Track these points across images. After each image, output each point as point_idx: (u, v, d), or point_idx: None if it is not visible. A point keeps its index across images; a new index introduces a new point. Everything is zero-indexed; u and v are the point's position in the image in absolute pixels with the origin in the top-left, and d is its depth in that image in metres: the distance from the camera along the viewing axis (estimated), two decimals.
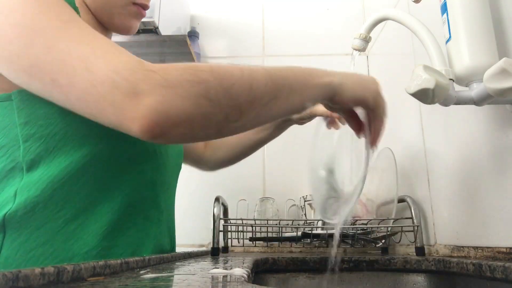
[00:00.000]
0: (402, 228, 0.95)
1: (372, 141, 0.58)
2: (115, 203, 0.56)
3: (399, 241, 0.99)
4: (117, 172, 0.57)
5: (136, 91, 0.38)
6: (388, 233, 0.99)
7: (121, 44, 1.22)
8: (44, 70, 0.42)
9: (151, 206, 0.62)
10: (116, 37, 1.17)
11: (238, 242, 1.06)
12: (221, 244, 1.07)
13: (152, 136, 0.39)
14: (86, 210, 0.54)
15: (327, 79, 0.52)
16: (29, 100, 0.51)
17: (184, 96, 0.39)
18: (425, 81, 0.58)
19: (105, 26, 0.65)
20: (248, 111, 0.44)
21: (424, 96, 0.60)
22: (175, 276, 0.40)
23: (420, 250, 0.89)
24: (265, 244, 1.11)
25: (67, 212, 0.53)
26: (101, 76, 0.39)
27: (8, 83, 0.49)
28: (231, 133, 0.47)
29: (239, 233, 1.05)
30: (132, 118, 0.39)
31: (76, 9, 0.51)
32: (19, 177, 0.52)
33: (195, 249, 1.02)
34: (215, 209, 0.99)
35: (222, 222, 1.02)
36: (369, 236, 0.97)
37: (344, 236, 0.96)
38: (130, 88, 0.39)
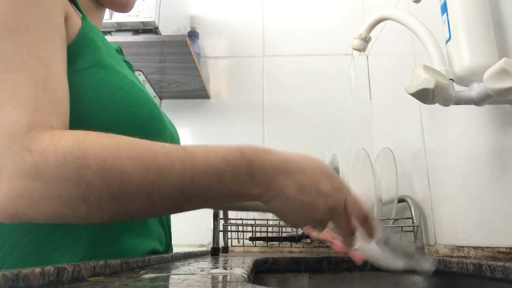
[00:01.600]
0: (402, 228, 0.95)
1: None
2: None
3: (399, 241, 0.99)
4: None
5: (1, 171, 0.32)
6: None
7: (122, 44, 1.22)
8: None
9: None
10: (115, 37, 1.17)
11: (238, 242, 1.06)
12: (221, 244, 1.07)
13: (3, 220, 0.33)
14: None
15: (256, 191, 0.40)
16: None
17: (54, 195, 0.32)
18: (425, 81, 0.58)
19: (101, 2, 0.61)
20: (141, 216, 0.37)
21: (424, 96, 0.60)
22: (175, 276, 0.40)
23: (420, 250, 0.89)
24: (265, 244, 1.11)
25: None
26: None
27: None
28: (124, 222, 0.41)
29: (239, 233, 1.05)
30: None
31: None
32: None
33: (195, 249, 1.02)
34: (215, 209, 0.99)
35: (222, 222, 1.02)
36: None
37: None
38: None
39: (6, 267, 0.45)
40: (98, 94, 0.49)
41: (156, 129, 0.58)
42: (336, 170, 1.08)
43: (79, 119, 0.43)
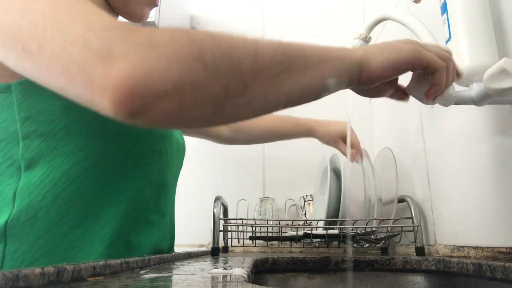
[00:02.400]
0: (402, 228, 0.95)
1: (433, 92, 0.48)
2: (120, 208, 0.53)
3: (399, 241, 0.99)
4: (122, 174, 0.54)
5: (110, 51, 0.30)
6: (388, 233, 0.99)
7: None
8: (16, 37, 0.34)
9: (153, 209, 0.60)
10: None
11: (238, 242, 1.06)
12: (221, 244, 1.07)
13: (128, 114, 0.30)
14: (90, 216, 0.51)
15: (348, 52, 0.43)
16: (31, 93, 0.48)
17: (171, 57, 0.31)
18: None
19: (116, 11, 0.62)
20: (254, 84, 0.35)
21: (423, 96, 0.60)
22: (175, 276, 0.40)
23: (420, 250, 0.89)
24: (265, 244, 1.11)
25: (71, 218, 0.49)
26: (73, 36, 0.32)
27: (6, 70, 0.42)
28: (234, 113, 0.37)
29: (239, 233, 1.05)
30: (102, 87, 0.30)
31: None
32: (16, 176, 0.49)
33: (195, 249, 1.02)
34: (215, 209, 0.99)
35: (222, 222, 1.02)
36: (371, 237, 0.97)
37: (344, 237, 0.96)
38: (104, 48, 0.31)
39: (23, 266, 0.46)
40: None
41: (162, 132, 0.60)
42: (337, 170, 1.08)
43: (89, 118, 0.44)
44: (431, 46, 0.48)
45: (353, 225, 1.00)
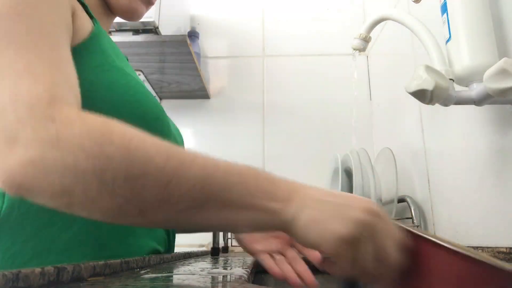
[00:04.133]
0: None
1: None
2: None
3: None
4: None
5: (17, 136, 0.30)
6: None
7: (121, 44, 1.22)
8: None
9: None
10: (116, 37, 1.17)
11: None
12: (221, 244, 1.07)
13: (11, 192, 0.31)
14: (80, 217, 0.49)
15: (277, 205, 0.34)
16: None
17: (69, 164, 0.30)
18: (425, 82, 0.58)
19: (110, 8, 0.61)
20: (154, 212, 0.33)
21: (422, 96, 0.60)
22: (175, 276, 0.40)
23: None
24: None
25: (64, 217, 0.46)
26: None
27: None
28: (129, 224, 0.37)
29: None
30: None
31: None
32: None
33: (195, 249, 1.02)
34: None
35: None
36: None
37: None
38: (14, 129, 0.30)
39: (14, 267, 0.45)
40: (109, 93, 0.49)
41: (161, 132, 0.59)
42: (349, 170, 1.07)
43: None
44: (384, 236, 0.34)
45: None
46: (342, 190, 1.04)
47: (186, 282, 0.33)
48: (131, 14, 0.63)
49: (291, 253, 0.56)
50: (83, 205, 0.32)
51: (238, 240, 0.58)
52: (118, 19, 0.66)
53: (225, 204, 0.34)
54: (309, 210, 0.34)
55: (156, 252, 0.61)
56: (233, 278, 0.39)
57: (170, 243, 0.69)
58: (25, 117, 0.31)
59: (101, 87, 0.48)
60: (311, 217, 0.34)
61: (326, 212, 0.34)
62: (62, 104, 0.33)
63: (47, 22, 0.39)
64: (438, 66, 0.63)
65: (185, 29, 1.48)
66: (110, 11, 0.62)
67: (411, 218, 0.94)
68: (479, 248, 0.73)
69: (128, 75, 0.53)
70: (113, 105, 0.48)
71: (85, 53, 0.48)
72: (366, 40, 0.81)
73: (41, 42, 0.36)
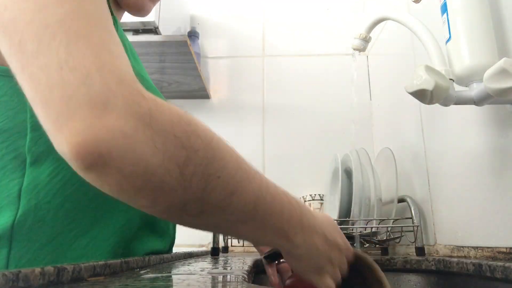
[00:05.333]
0: (402, 228, 0.95)
1: None
2: (129, 215, 0.51)
3: (399, 241, 0.99)
4: None
5: (108, 103, 0.27)
6: (388, 233, 0.99)
7: None
8: (19, 27, 0.30)
9: (155, 218, 0.57)
10: None
11: (238, 242, 1.06)
12: (221, 244, 1.07)
13: (84, 164, 0.28)
14: (99, 222, 0.48)
15: (296, 239, 0.40)
16: None
17: (157, 149, 0.28)
18: (425, 82, 0.58)
19: (118, 3, 0.60)
20: (210, 216, 0.34)
21: (422, 96, 0.60)
22: (175, 276, 0.40)
23: (420, 250, 0.89)
24: None
25: (79, 223, 0.46)
26: (77, 64, 0.28)
27: None
28: (177, 222, 0.38)
29: None
30: (76, 129, 0.27)
31: None
32: (20, 171, 0.45)
33: (195, 249, 1.02)
34: None
35: None
36: (374, 238, 0.97)
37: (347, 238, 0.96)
38: (104, 95, 0.27)
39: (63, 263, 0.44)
40: None
41: None
42: (349, 170, 1.07)
43: None
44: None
45: (353, 225, 1.00)
46: (342, 190, 1.04)
47: (186, 282, 0.33)
48: (138, 9, 0.62)
49: None
50: (153, 194, 0.30)
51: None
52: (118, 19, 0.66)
53: (262, 225, 0.37)
54: (305, 251, 0.42)
55: (159, 251, 0.61)
56: (233, 278, 0.39)
57: (171, 244, 0.69)
58: (115, 87, 0.28)
59: None
60: (307, 253, 0.42)
61: (316, 257, 0.42)
62: (142, 87, 0.31)
63: (105, 5, 0.36)
64: (438, 66, 0.63)
65: (185, 29, 1.48)
66: (119, 5, 0.62)
67: (411, 218, 0.94)
68: (479, 248, 0.73)
69: (146, 81, 0.54)
70: None
71: None
72: (366, 40, 0.81)
73: (105, 19, 0.34)
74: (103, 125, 0.27)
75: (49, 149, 0.44)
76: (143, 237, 0.55)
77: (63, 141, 0.27)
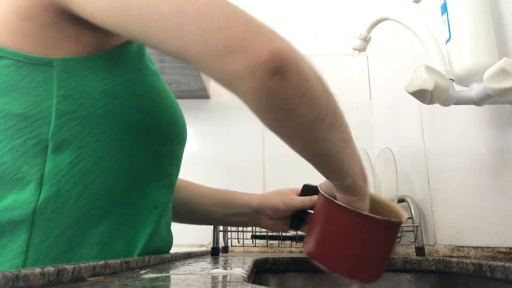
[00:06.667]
0: (402, 228, 0.95)
1: None
2: (141, 207, 0.52)
3: (399, 241, 0.99)
4: (145, 174, 0.53)
5: (266, 34, 0.37)
6: None
7: None
8: None
9: (166, 212, 0.58)
10: None
11: (238, 242, 1.06)
12: (221, 244, 1.07)
13: (273, 69, 0.37)
14: (113, 212, 0.49)
15: (356, 174, 0.50)
16: (75, 72, 0.46)
17: (308, 75, 0.40)
18: (425, 82, 0.58)
19: None
20: (338, 127, 0.46)
21: (422, 96, 0.60)
22: (175, 276, 0.40)
23: (420, 250, 0.89)
24: (265, 244, 1.11)
25: (96, 212, 0.47)
26: (233, 8, 0.40)
27: (50, 43, 0.45)
28: (281, 135, 0.45)
29: (239, 233, 1.05)
30: (264, 45, 0.36)
31: None
32: (42, 157, 0.45)
33: (195, 249, 1.02)
34: None
35: None
36: None
37: None
38: (262, 28, 0.38)
39: (47, 261, 0.44)
40: (151, 96, 0.52)
41: (182, 140, 0.61)
42: None
43: (128, 109, 0.47)
44: None
45: None
46: None
47: (186, 282, 0.33)
48: None
49: None
50: (311, 100, 0.41)
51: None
52: None
53: (354, 153, 0.49)
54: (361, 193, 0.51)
55: (158, 250, 0.61)
56: (233, 278, 0.39)
57: (170, 243, 0.69)
58: (268, 30, 0.39)
59: (145, 90, 0.52)
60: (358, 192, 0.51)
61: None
62: None
63: None
64: (438, 66, 0.63)
65: None
66: None
67: (411, 218, 0.94)
68: (479, 248, 0.73)
69: (162, 83, 0.58)
70: (153, 109, 0.52)
71: (136, 54, 0.53)
72: (366, 40, 0.81)
73: None
74: (281, 42, 0.38)
75: (72, 137, 0.46)
76: (160, 227, 0.56)
77: (248, 58, 0.36)
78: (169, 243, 0.63)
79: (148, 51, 0.58)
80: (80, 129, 0.46)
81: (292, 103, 0.39)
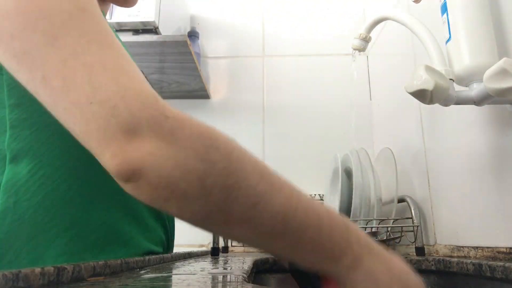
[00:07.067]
0: (402, 228, 0.95)
1: None
2: (112, 212, 0.49)
3: (399, 241, 0.99)
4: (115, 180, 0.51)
5: (135, 130, 0.31)
6: (388, 233, 0.99)
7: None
8: (38, 63, 0.33)
9: (147, 214, 0.56)
10: None
11: (238, 243, 1.06)
12: (221, 244, 1.07)
13: (124, 179, 0.32)
14: (80, 220, 0.47)
15: (345, 261, 0.36)
16: None
17: (179, 164, 0.32)
18: (425, 82, 0.58)
19: None
20: (237, 227, 0.34)
21: (422, 96, 0.60)
22: (175, 276, 0.40)
23: (420, 250, 0.89)
24: None
25: (59, 222, 0.45)
26: (103, 97, 0.32)
27: None
28: (207, 230, 0.37)
29: None
30: (114, 153, 0.31)
31: None
32: (1, 168, 0.45)
33: (195, 249, 1.02)
34: None
35: None
36: (374, 238, 0.97)
37: None
38: (131, 123, 0.31)
39: (44, 262, 0.43)
40: None
41: None
42: (349, 170, 1.07)
43: None
44: None
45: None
46: (342, 190, 1.04)
47: (186, 282, 0.33)
48: (124, 2, 0.60)
49: None
50: (178, 203, 0.32)
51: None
52: (118, 19, 0.66)
53: (296, 241, 0.35)
54: (358, 276, 0.36)
55: (153, 253, 0.60)
56: (233, 278, 0.39)
57: (169, 244, 0.68)
58: (139, 113, 0.32)
59: None
60: (357, 283, 0.36)
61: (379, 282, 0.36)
62: (164, 102, 0.34)
63: (100, 15, 0.37)
64: (438, 66, 0.63)
65: (185, 29, 1.48)
66: None
67: (411, 218, 0.94)
68: (479, 248, 0.73)
69: None
70: None
71: None
72: (366, 40, 0.81)
73: (111, 37, 0.36)
74: (133, 148, 0.31)
75: (28, 146, 0.45)
76: (132, 233, 0.53)
77: (106, 162, 0.32)
78: (161, 243, 0.62)
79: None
80: (36, 137, 0.45)
81: (160, 206, 0.33)
